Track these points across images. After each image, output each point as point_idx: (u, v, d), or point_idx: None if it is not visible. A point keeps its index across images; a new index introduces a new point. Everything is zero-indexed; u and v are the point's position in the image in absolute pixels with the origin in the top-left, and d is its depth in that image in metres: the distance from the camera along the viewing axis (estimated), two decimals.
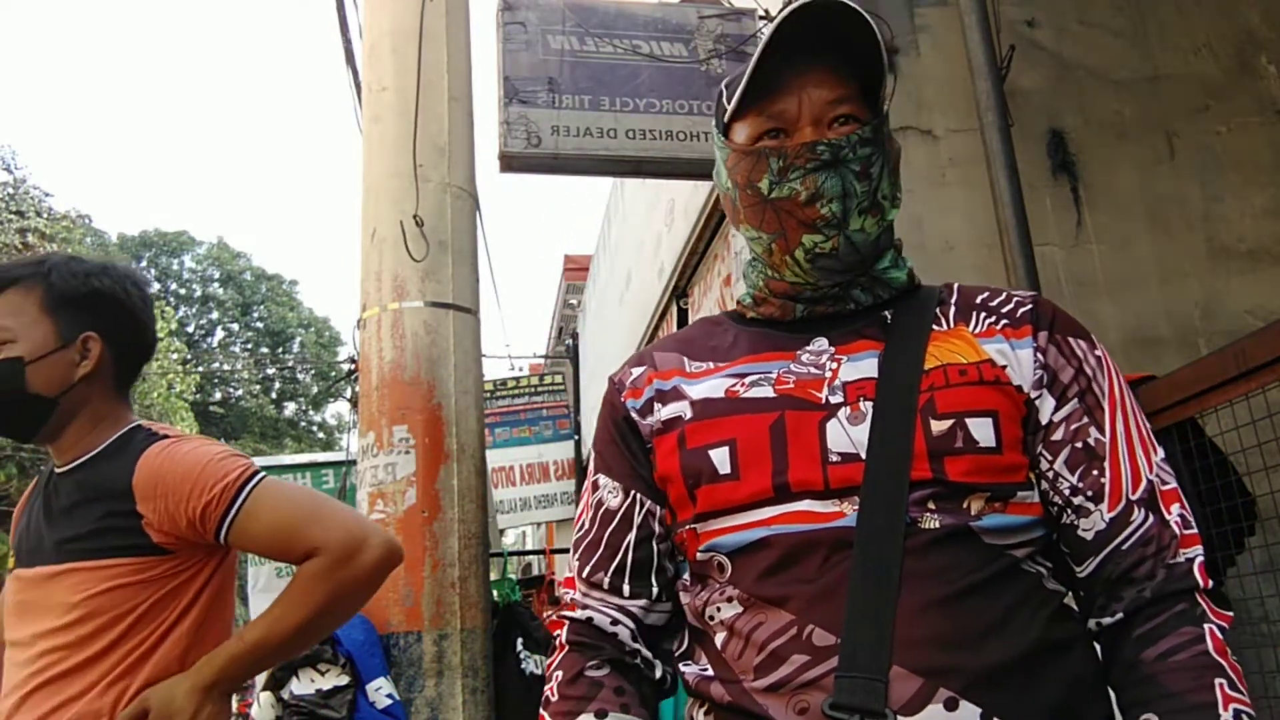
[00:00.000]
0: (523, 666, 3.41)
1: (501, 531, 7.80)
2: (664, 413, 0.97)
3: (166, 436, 1.42)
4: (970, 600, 0.80)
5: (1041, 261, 3.05)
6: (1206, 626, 0.83)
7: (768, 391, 0.92)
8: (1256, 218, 3.65)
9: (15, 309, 1.40)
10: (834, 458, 0.86)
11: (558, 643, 0.98)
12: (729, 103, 0.97)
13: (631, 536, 0.98)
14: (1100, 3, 3.89)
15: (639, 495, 0.99)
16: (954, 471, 0.84)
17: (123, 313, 1.49)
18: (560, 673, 0.96)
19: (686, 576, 0.97)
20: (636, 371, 1.04)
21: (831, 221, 0.91)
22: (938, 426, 0.85)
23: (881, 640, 0.77)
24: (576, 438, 10.10)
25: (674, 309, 6.20)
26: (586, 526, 1.02)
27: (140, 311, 1.51)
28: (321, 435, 26.36)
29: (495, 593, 3.62)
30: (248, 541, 1.38)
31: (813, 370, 0.92)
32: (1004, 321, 0.95)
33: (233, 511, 1.35)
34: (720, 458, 0.89)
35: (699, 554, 0.92)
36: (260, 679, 3.09)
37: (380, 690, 3.15)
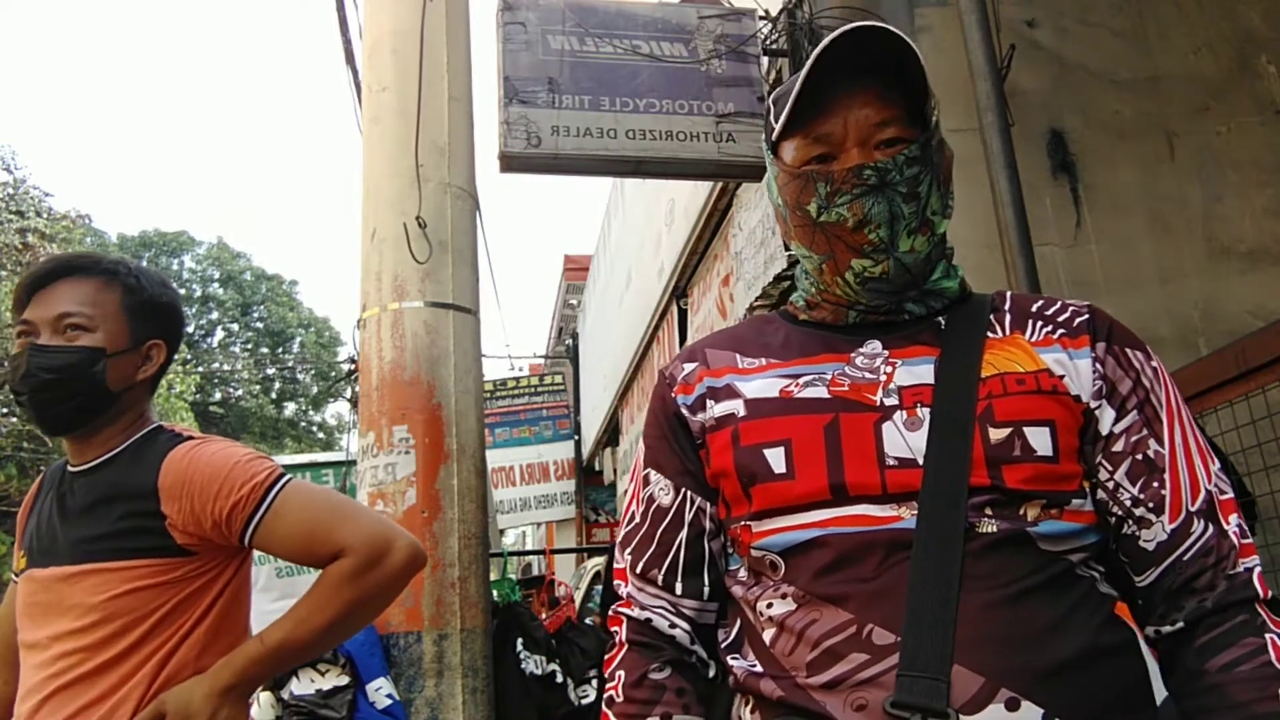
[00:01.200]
0: (522, 666, 3.41)
1: (501, 531, 7.80)
2: (717, 410, 0.98)
3: (192, 438, 1.42)
4: (1029, 602, 0.81)
5: (1041, 261, 3.05)
6: (1268, 636, 0.83)
7: (822, 392, 0.92)
8: (1256, 218, 3.65)
9: (97, 301, 1.41)
10: (890, 462, 0.87)
11: (617, 640, 0.99)
12: (776, 121, 0.98)
13: (684, 534, 1.00)
14: (1100, 3, 3.89)
15: (689, 493, 1.00)
16: (1012, 479, 0.85)
17: (179, 326, 1.54)
18: (623, 673, 0.97)
19: (739, 569, 0.97)
20: (688, 367, 1.04)
21: (880, 246, 0.92)
22: (996, 434, 0.86)
23: (944, 640, 0.78)
24: (576, 438, 10.10)
25: (674, 309, 6.20)
26: (638, 521, 1.03)
27: (184, 327, 1.57)
28: (321, 435, 26.36)
29: (495, 593, 3.62)
30: (273, 542, 1.36)
31: (867, 374, 0.93)
32: (1061, 331, 0.95)
33: (260, 512, 1.34)
34: (775, 457, 0.90)
35: (753, 550, 0.92)
36: None
37: (380, 690, 3.15)
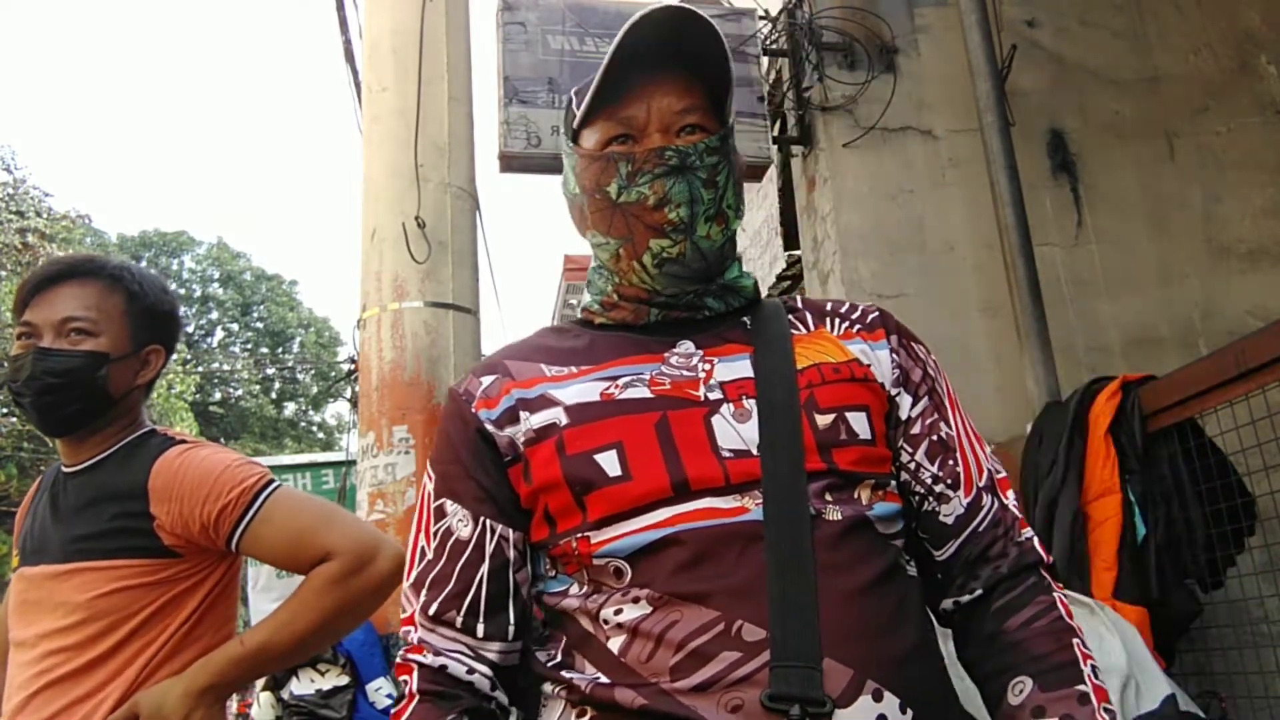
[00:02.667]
0: None
1: None
2: (534, 420, 0.92)
3: (184, 441, 1.43)
4: (876, 591, 0.84)
5: (1041, 261, 3.05)
6: (1055, 595, 0.91)
7: (644, 392, 0.91)
8: (1256, 218, 3.65)
9: (100, 305, 1.42)
10: (727, 454, 0.87)
11: (408, 690, 0.90)
12: (578, 108, 0.97)
13: (485, 569, 0.92)
14: (1100, 3, 3.89)
15: (488, 521, 0.93)
16: (843, 461, 0.88)
17: (177, 332, 1.55)
18: None
19: (569, 587, 0.90)
20: (487, 380, 0.97)
21: (679, 226, 0.92)
22: (822, 420, 0.89)
23: (812, 630, 0.79)
24: None
25: None
26: (431, 558, 0.94)
27: (181, 332, 1.58)
28: (321, 435, 26.35)
29: None
30: (260, 547, 1.37)
31: (685, 372, 0.93)
32: (859, 326, 1.01)
33: (248, 517, 1.35)
34: (608, 461, 0.87)
35: (594, 560, 0.87)
36: (260, 679, 3.09)
37: (380, 690, 3.15)
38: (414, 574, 0.95)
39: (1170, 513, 2.30)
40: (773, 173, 4.15)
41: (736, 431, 0.88)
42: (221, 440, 21.09)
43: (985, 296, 3.44)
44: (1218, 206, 3.66)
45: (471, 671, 0.90)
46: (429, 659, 0.90)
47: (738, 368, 0.93)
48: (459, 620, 0.91)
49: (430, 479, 0.97)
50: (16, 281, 13.33)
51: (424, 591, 0.93)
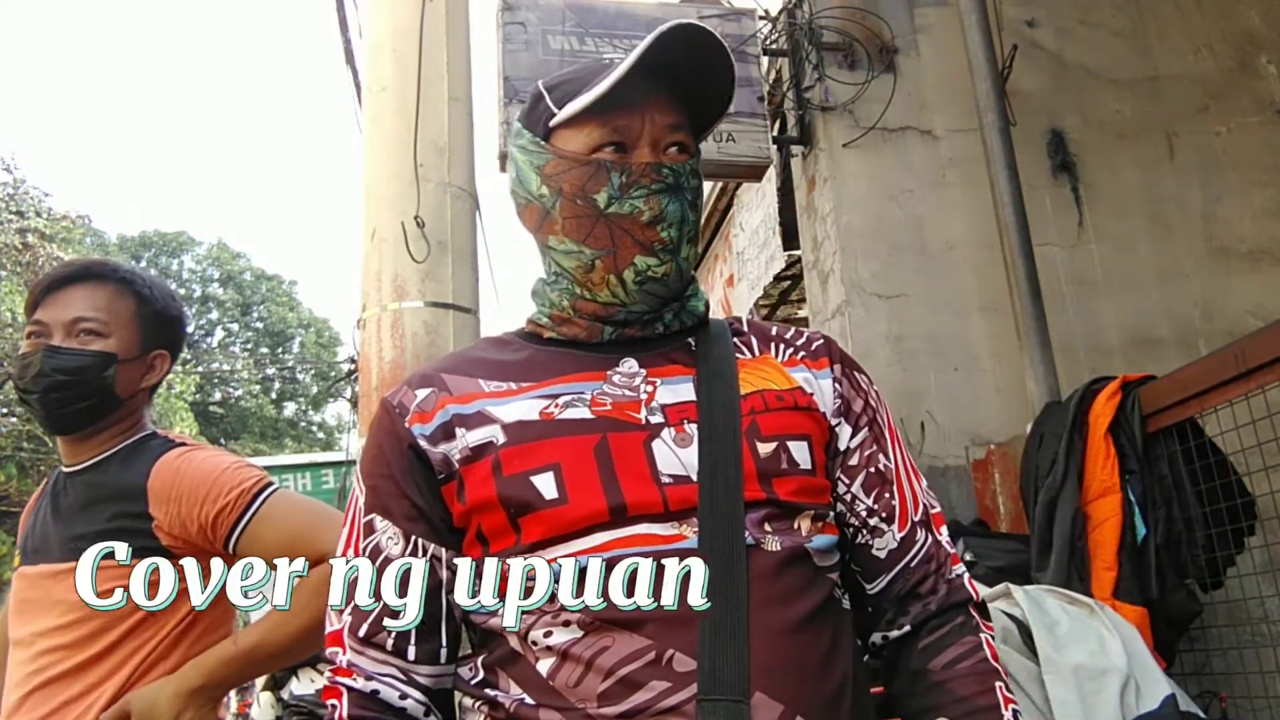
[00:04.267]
0: None
1: None
2: (470, 438, 0.88)
3: (184, 444, 1.45)
4: (811, 626, 0.83)
5: (1041, 261, 3.05)
6: (982, 636, 0.91)
7: (585, 413, 0.88)
8: (1256, 218, 3.65)
9: (111, 308, 1.44)
10: (666, 479, 0.85)
11: (336, 717, 0.86)
12: (555, 107, 0.93)
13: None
14: (1100, 3, 3.89)
15: (420, 540, 0.89)
16: (783, 491, 0.87)
17: (182, 338, 1.57)
18: None
19: (500, 607, 0.87)
20: (422, 393, 0.93)
21: (669, 246, 0.91)
22: (764, 448, 0.88)
23: (741, 663, 0.77)
24: None
25: None
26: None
27: (186, 338, 1.60)
28: (321, 435, 26.34)
29: None
30: (257, 548, 1.37)
31: (627, 393, 0.90)
32: (803, 354, 1.00)
33: (246, 518, 1.36)
34: (545, 483, 0.84)
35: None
36: (260, 679, 3.09)
37: None
38: (336, 593, 0.91)
39: (1170, 513, 2.30)
40: (771, 172, 4.16)
41: (677, 457, 0.86)
42: (221, 440, 21.12)
43: (985, 296, 3.44)
44: (1218, 206, 3.66)
45: (404, 697, 0.87)
46: (359, 683, 0.86)
47: (681, 390, 0.91)
48: (390, 642, 0.87)
49: (360, 492, 0.93)
50: (16, 281, 13.35)
51: (351, 610, 0.89)
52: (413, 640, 0.88)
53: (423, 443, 0.90)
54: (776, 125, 3.91)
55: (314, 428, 26.79)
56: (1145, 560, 2.27)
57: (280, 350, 27.18)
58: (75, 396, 1.39)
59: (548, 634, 0.82)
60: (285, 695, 3.18)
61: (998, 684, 0.88)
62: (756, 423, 0.89)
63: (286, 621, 1.33)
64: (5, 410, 13.83)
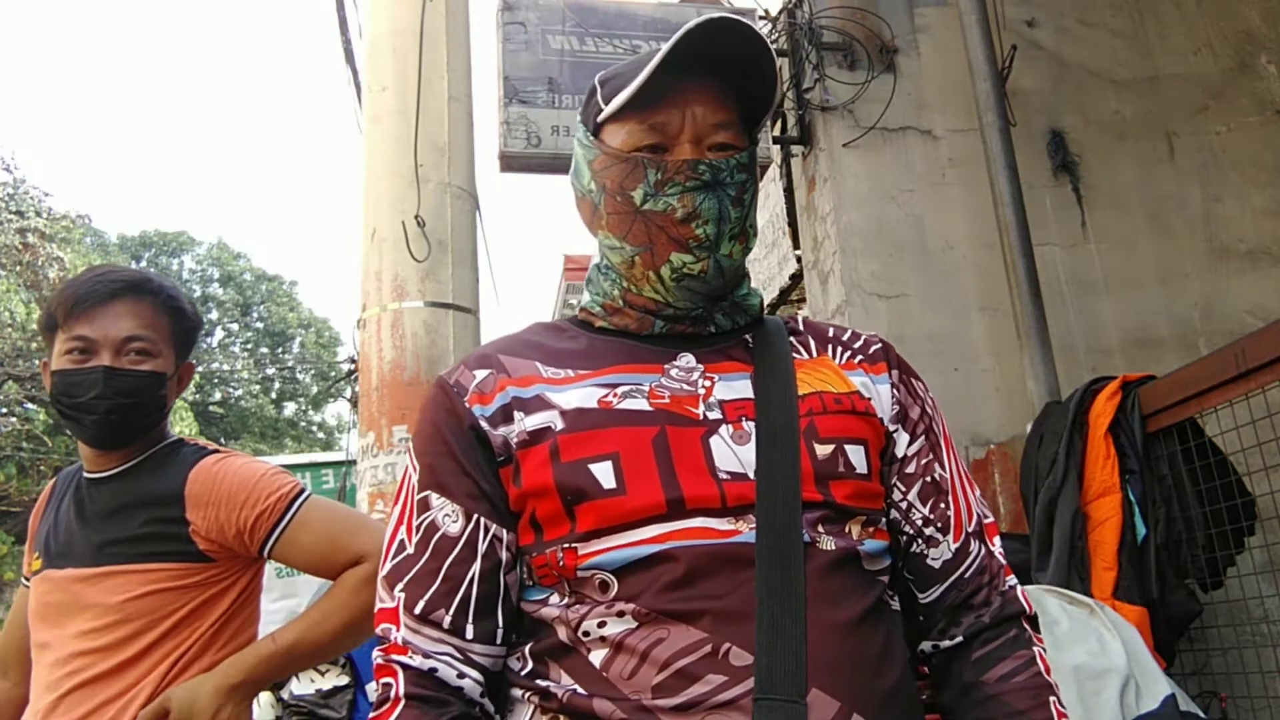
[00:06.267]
0: None
1: None
2: (529, 422, 0.88)
3: (218, 451, 1.48)
4: (865, 625, 0.83)
5: (1041, 261, 3.05)
6: (1035, 650, 0.91)
7: (643, 404, 0.88)
8: (1256, 218, 3.65)
9: (154, 325, 1.45)
10: (724, 475, 0.85)
11: (392, 694, 0.84)
12: (605, 102, 0.94)
13: (476, 568, 0.87)
14: (1100, 3, 3.89)
15: (483, 519, 0.88)
16: (839, 495, 0.86)
17: (197, 343, 1.59)
18: None
19: (548, 595, 0.88)
20: (481, 374, 0.93)
21: (704, 243, 0.90)
22: (822, 450, 0.88)
23: (799, 662, 0.77)
24: None
25: None
26: (412, 552, 0.88)
27: None
28: (321, 435, 26.33)
29: None
30: (294, 552, 1.41)
31: (685, 386, 0.90)
32: (860, 357, 0.99)
33: (283, 523, 1.39)
34: (603, 472, 0.84)
35: (579, 572, 0.84)
36: None
37: None
38: (391, 566, 0.89)
39: (1170, 512, 2.30)
40: (775, 172, 4.16)
41: (735, 454, 0.86)
42: (221, 440, 21.12)
43: (985, 296, 3.44)
44: (1218, 206, 3.66)
45: (462, 676, 0.86)
46: (416, 661, 0.85)
47: (738, 387, 0.91)
48: (447, 620, 0.86)
49: (415, 470, 0.92)
50: (16, 281, 13.34)
51: (405, 587, 0.88)
52: (471, 619, 0.86)
53: (484, 424, 0.89)
54: (777, 125, 3.91)
55: (314, 428, 26.79)
56: (1145, 560, 2.27)
57: (280, 350, 27.19)
58: (135, 416, 1.42)
59: (601, 624, 0.82)
60: (285, 695, 3.17)
61: (1051, 699, 0.87)
62: (815, 424, 0.89)
63: (324, 620, 1.36)
64: (5, 410, 13.84)
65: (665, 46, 0.88)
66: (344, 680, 3.17)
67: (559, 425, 0.87)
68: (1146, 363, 2.94)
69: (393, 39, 3.49)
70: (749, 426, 0.87)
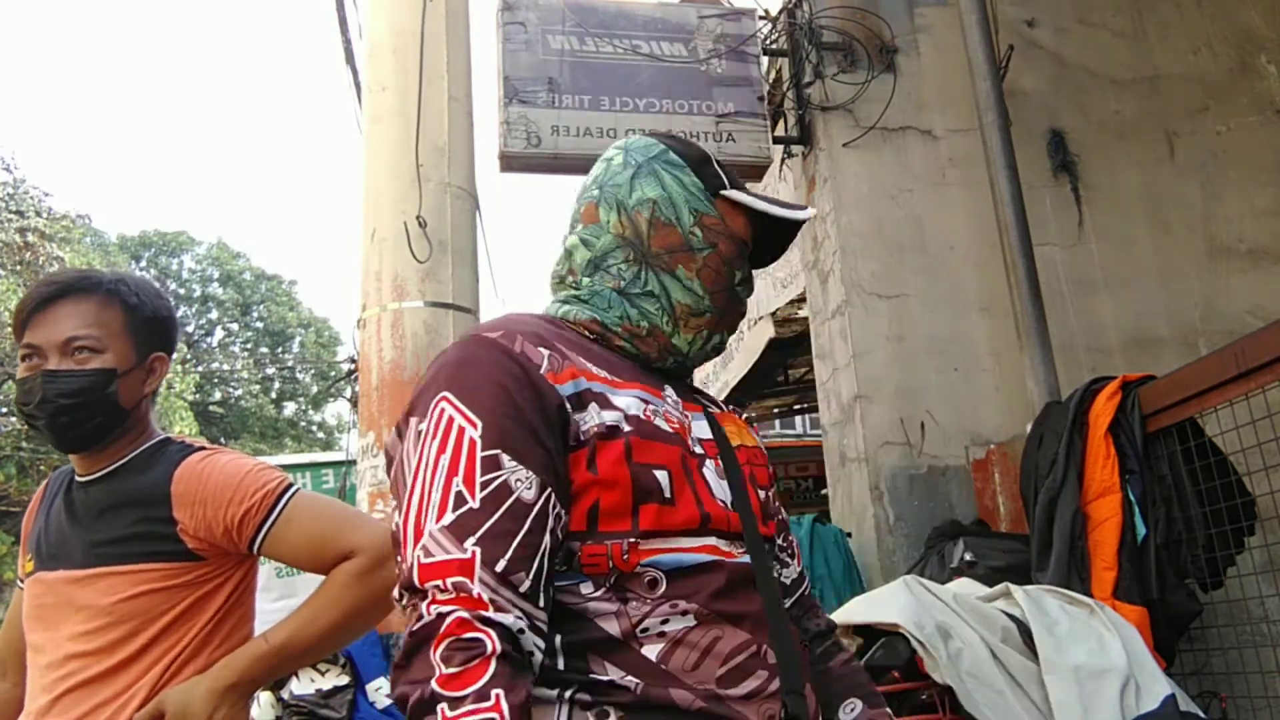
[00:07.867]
0: None
1: None
2: (605, 416, 0.90)
3: (203, 448, 1.46)
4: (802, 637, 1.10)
5: (1041, 261, 3.05)
6: (850, 653, 1.18)
7: (666, 426, 0.95)
8: (1256, 218, 3.65)
9: (100, 321, 1.42)
10: (721, 502, 0.96)
11: (488, 649, 0.77)
12: (729, 185, 1.07)
13: (547, 542, 0.84)
14: (1100, 3, 3.90)
15: (554, 495, 0.86)
16: (774, 532, 1.09)
17: (175, 335, 1.56)
18: (501, 692, 0.76)
19: (578, 584, 0.87)
20: (544, 352, 0.91)
21: (734, 330, 1.13)
22: (761, 494, 1.05)
23: (800, 663, 0.96)
24: None
25: None
26: (478, 507, 0.82)
27: (179, 333, 1.60)
28: (321, 435, 26.32)
29: None
30: (282, 548, 1.39)
31: (680, 417, 1.00)
32: (742, 417, 1.18)
33: (270, 520, 1.38)
34: (664, 480, 0.91)
35: (637, 567, 0.86)
36: None
37: (380, 690, 3.16)
38: (455, 518, 0.82)
39: (1170, 513, 2.30)
40: (781, 170, 4.15)
41: (722, 486, 0.98)
42: (221, 440, 21.10)
43: (985, 296, 3.44)
44: (1218, 206, 3.66)
45: (534, 646, 0.81)
46: (510, 620, 0.79)
47: (701, 427, 1.02)
48: (526, 584, 0.81)
49: (474, 424, 0.85)
50: (16, 281, 13.34)
51: (480, 541, 0.81)
52: (542, 590, 0.83)
53: (569, 405, 0.89)
54: (778, 125, 3.91)
55: (314, 427, 26.79)
56: (1145, 560, 2.27)
57: (280, 350, 27.18)
58: (83, 417, 1.39)
59: (664, 621, 0.88)
60: (285, 695, 3.17)
61: (870, 679, 1.17)
62: (754, 473, 1.05)
63: (316, 617, 1.35)
64: (5, 410, 13.84)
65: (784, 211, 1.08)
66: (344, 680, 3.17)
67: (626, 427, 0.91)
68: (1146, 363, 2.94)
69: (393, 39, 3.49)
70: (718, 464, 1.00)
